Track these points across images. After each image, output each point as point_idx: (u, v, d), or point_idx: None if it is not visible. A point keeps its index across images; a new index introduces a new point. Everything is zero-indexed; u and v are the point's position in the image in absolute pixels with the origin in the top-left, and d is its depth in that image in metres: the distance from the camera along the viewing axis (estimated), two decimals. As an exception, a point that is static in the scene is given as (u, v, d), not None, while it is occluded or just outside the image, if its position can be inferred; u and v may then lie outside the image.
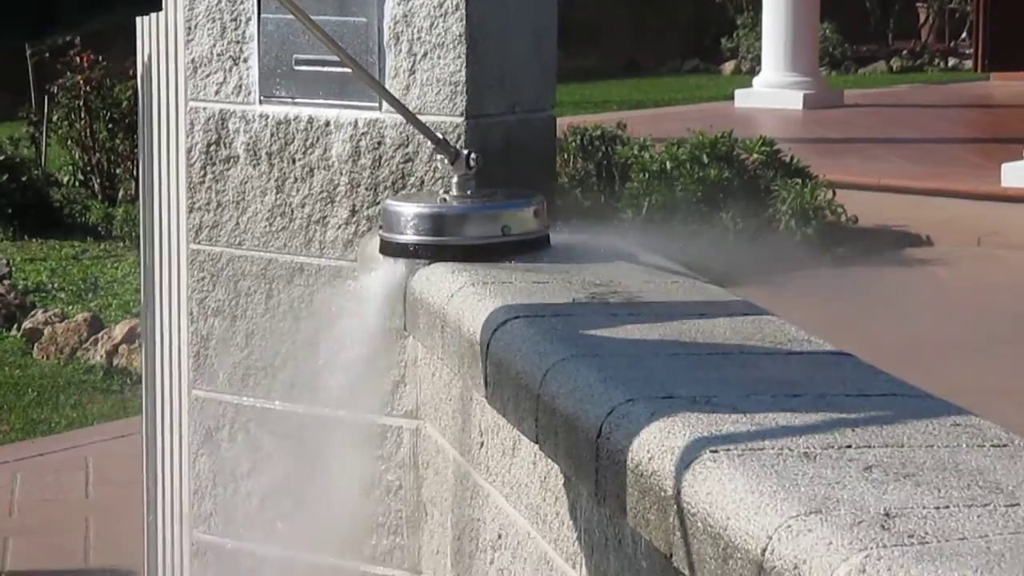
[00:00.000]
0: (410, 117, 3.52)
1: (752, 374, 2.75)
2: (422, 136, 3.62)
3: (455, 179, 3.31)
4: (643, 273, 3.39)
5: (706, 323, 3.09)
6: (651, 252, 3.66)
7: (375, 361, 3.57)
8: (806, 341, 2.95)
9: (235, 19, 4.04)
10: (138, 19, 4.88)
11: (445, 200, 3.30)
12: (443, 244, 3.25)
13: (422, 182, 3.87)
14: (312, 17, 3.88)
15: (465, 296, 3.25)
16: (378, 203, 3.92)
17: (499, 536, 3.34)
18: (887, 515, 2.06)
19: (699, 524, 2.25)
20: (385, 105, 3.82)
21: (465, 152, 3.29)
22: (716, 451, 2.33)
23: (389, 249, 3.29)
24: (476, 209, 3.27)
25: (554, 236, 3.44)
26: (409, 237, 3.27)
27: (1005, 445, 2.35)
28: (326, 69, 3.76)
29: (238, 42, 4.06)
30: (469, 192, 3.30)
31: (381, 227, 3.35)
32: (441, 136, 3.39)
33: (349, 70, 3.83)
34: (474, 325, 3.17)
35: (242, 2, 3.98)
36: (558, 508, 3.03)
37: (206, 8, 4.07)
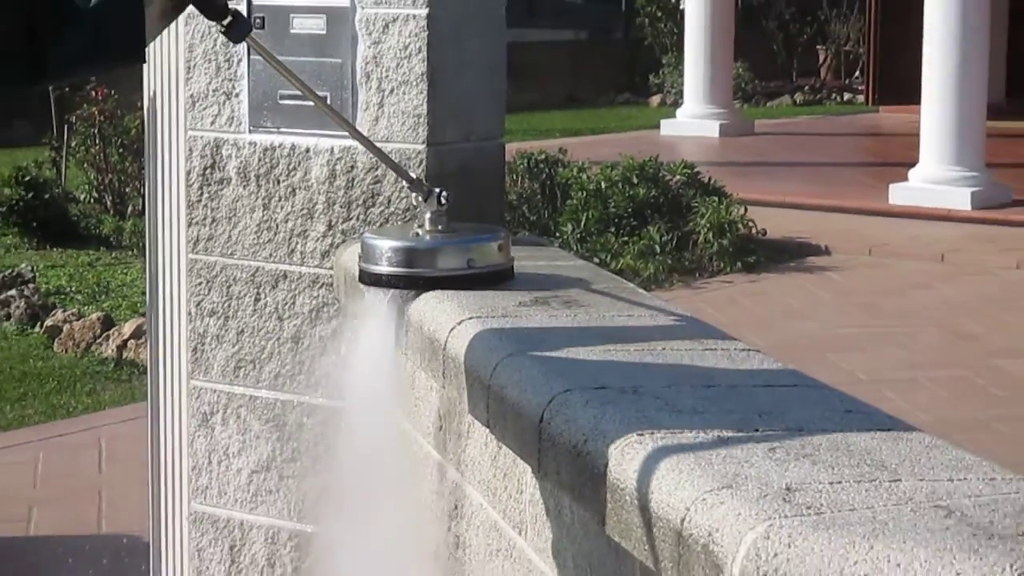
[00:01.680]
0: (386, 160, 3.50)
1: (674, 367, 2.76)
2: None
3: (427, 215, 3.25)
4: (583, 281, 3.39)
5: (635, 323, 3.09)
6: (604, 276, 3.64)
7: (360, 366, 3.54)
8: (721, 339, 2.96)
9: (228, 60, 4.04)
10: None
11: (417, 234, 3.25)
12: (414, 275, 3.20)
13: (389, 200, 3.87)
14: (295, 58, 3.88)
15: (427, 300, 3.25)
16: (351, 218, 3.92)
17: (455, 507, 3.34)
18: (788, 489, 2.07)
19: (627, 497, 2.26)
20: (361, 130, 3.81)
21: (437, 191, 3.25)
22: (642, 434, 2.33)
23: (366, 278, 3.26)
24: (445, 244, 3.22)
25: (518, 266, 3.40)
26: (383, 268, 3.22)
27: (890, 429, 2.36)
28: (306, 103, 3.74)
29: (230, 80, 4.06)
30: (440, 227, 3.24)
31: (360, 257, 3.31)
32: (415, 176, 3.35)
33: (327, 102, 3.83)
34: (433, 325, 3.17)
35: (233, 46, 3.97)
36: (506, 483, 3.03)
37: (203, 51, 4.07)
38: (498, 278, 3.24)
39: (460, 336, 3.05)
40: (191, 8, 2.57)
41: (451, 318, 3.12)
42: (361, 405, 3.30)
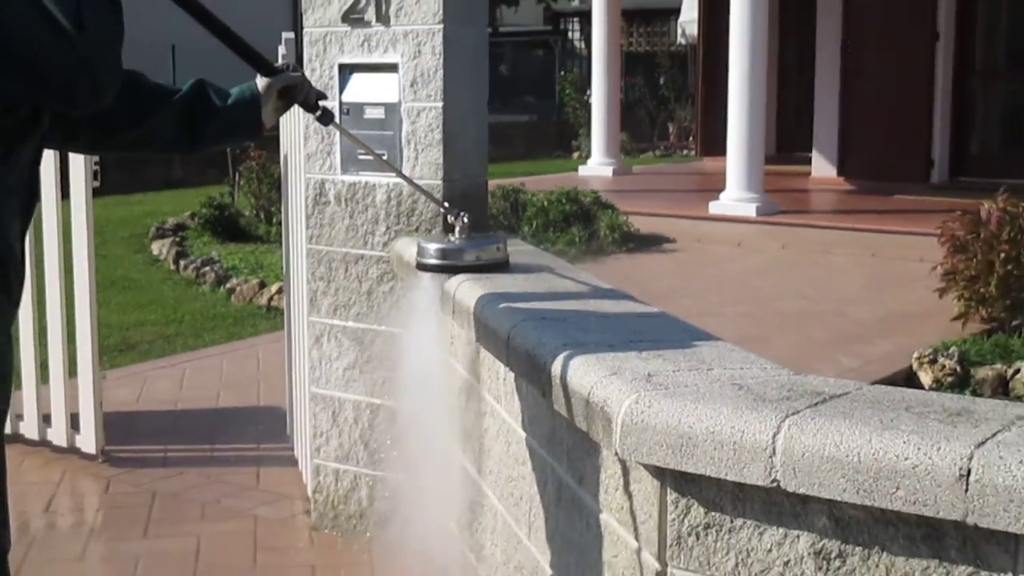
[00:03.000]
0: (427, 194, 3.47)
1: (585, 306, 2.76)
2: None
3: (457, 228, 3.20)
4: (545, 266, 3.38)
5: (563, 282, 3.09)
6: (546, 256, 3.62)
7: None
8: (611, 291, 2.96)
9: (328, 133, 4.02)
10: (281, 131, 4.84)
11: (451, 240, 3.20)
12: (447, 265, 3.16)
13: (421, 213, 3.87)
14: (368, 131, 3.87)
15: (454, 279, 3.24)
16: (400, 223, 3.90)
17: (459, 389, 3.35)
18: (649, 375, 2.07)
19: (558, 381, 2.26)
20: (404, 173, 3.80)
21: (462, 214, 3.21)
22: (567, 344, 2.33)
23: (419, 266, 3.23)
24: (465, 246, 3.17)
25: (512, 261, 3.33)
26: (429, 260, 3.20)
27: (708, 339, 2.36)
28: (373, 158, 3.74)
29: (329, 144, 4.04)
30: (464, 236, 3.19)
31: (417, 254, 3.26)
32: (446, 204, 3.30)
33: (386, 158, 3.81)
34: (447, 284, 3.17)
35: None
36: (489, 374, 3.03)
37: (314, 128, 4.05)
38: (497, 268, 3.19)
39: (461, 290, 3.05)
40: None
41: (456, 280, 3.13)
42: (415, 333, 3.28)
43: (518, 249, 3.64)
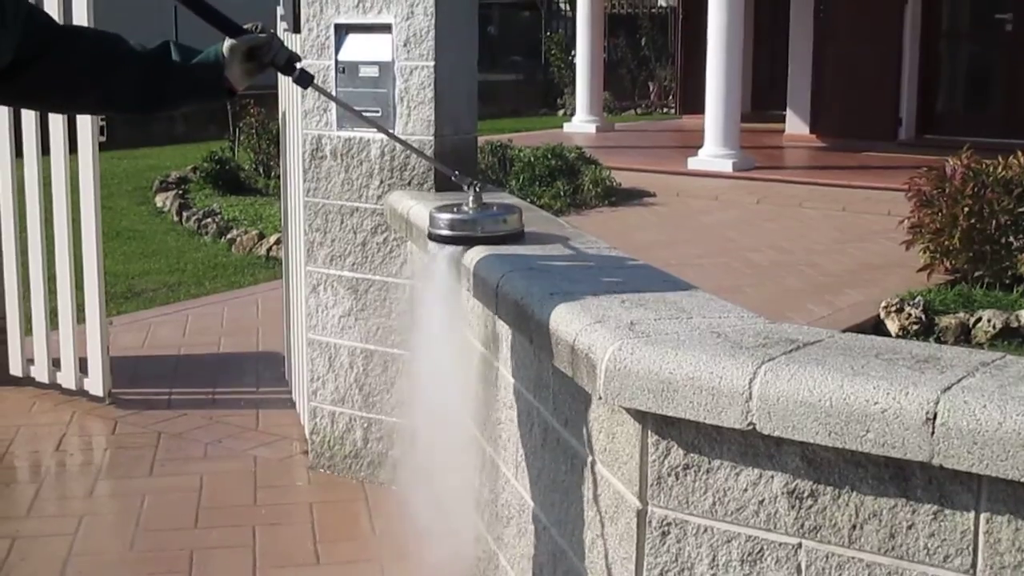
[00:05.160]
0: (437, 164, 3.36)
1: (570, 257, 2.75)
2: (419, 146, 3.56)
3: (470, 197, 2.98)
4: (531, 220, 3.34)
5: (551, 245, 3.07)
6: (535, 209, 3.59)
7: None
8: (595, 241, 2.95)
9: (324, 90, 3.98)
10: (279, 89, 4.80)
11: (464, 210, 2.99)
12: (459, 236, 2.96)
13: (414, 167, 3.84)
14: (363, 89, 3.85)
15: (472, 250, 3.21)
16: (393, 177, 3.88)
17: (455, 339, 3.33)
18: (632, 324, 2.06)
19: (544, 328, 2.25)
20: (396, 130, 3.77)
21: (474, 183, 3.00)
22: (552, 294, 2.32)
23: (432, 237, 3.04)
24: (479, 216, 2.97)
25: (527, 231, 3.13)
26: (442, 231, 2.98)
27: (687, 289, 2.35)
28: (370, 114, 3.70)
29: (326, 101, 4.00)
30: (476, 206, 2.98)
31: (429, 224, 3.06)
32: (456, 173, 3.03)
33: (380, 115, 3.78)
34: (457, 252, 3.13)
35: (327, 85, 3.92)
36: (482, 321, 3.03)
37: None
38: (513, 238, 2.99)
39: (469, 255, 3.02)
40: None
41: (465, 247, 3.06)
42: (430, 289, 3.21)
43: (504, 203, 3.62)
